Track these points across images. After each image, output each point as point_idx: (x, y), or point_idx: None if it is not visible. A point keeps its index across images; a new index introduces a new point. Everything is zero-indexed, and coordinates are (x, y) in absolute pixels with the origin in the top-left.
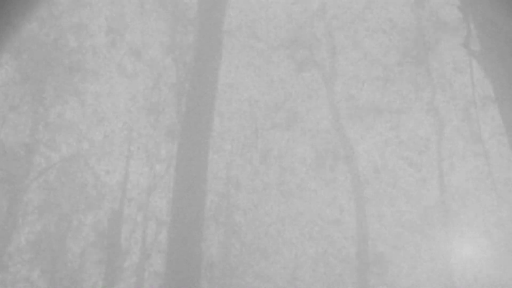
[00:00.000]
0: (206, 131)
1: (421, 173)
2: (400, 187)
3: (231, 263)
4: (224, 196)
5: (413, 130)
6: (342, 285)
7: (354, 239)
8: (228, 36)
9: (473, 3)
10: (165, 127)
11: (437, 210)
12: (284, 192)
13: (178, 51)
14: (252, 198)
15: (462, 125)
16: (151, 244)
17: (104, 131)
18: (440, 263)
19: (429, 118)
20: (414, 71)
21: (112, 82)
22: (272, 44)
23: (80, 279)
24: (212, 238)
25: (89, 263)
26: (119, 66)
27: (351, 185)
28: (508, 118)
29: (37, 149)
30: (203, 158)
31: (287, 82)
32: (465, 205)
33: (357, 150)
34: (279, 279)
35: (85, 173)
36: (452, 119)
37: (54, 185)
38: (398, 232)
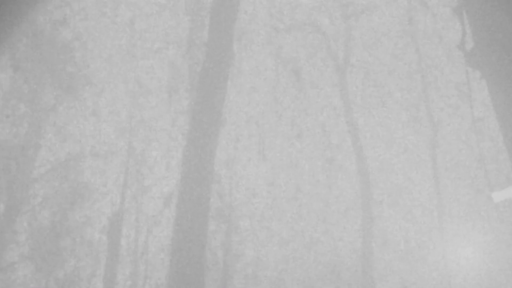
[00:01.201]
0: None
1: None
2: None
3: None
4: None
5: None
6: None
7: None
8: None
9: (468, 2)
10: (167, 133)
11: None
12: None
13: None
14: None
15: (459, 126)
16: (152, 242)
17: (105, 133)
18: (436, 259)
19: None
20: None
21: (114, 82)
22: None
23: (78, 277)
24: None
25: (88, 261)
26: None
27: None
28: (505, 119)
29: (37, 150)
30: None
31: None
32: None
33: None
34: None
35: (85, 173)
36: (449, 121)
37: (55, 186)
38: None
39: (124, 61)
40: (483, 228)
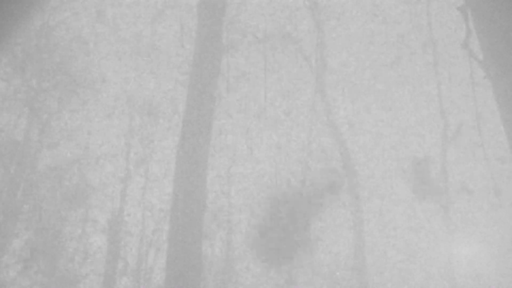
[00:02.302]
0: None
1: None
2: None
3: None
4: None
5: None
6: None
7: None
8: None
9: (472, 2)
10: (166, 128)
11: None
12: None
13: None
14: None
15: (462, 126)
16: (151, 243)
17: (106, 134)
18: (441, 258)
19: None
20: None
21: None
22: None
23: (77, 280)
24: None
25: (88, 262)
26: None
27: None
28: (508, 119)
29: (39, 152)
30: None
31: None
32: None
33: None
34: None
35: (86, 175)
36: (451, 119)
37: (56, 186)
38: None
39: (127, 63)
40: (487, 229)
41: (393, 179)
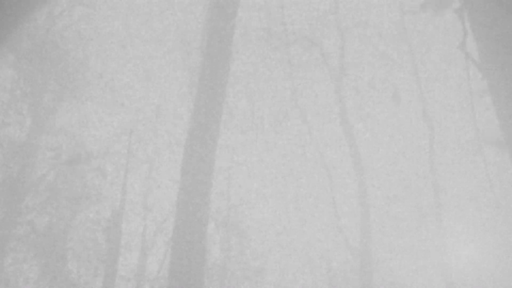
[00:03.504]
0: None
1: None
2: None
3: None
4: None
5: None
6: None
7: None
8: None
9: (469, 3)
10: (168, 132)
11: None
12: None
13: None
14: None
15: (460, 128)
16: (153, 241)
17: (107, 133)
18: (436, 261)
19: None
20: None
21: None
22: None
23: (79, 279)
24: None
25: (89, 260)
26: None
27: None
28: (505, 119)
29: (39, 151)
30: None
31: None
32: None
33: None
34: None
35: (86, 174)
36: (449, 122)
37: (56, 186)
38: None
39: (125, 62)
40: (484, 228)
41: None
